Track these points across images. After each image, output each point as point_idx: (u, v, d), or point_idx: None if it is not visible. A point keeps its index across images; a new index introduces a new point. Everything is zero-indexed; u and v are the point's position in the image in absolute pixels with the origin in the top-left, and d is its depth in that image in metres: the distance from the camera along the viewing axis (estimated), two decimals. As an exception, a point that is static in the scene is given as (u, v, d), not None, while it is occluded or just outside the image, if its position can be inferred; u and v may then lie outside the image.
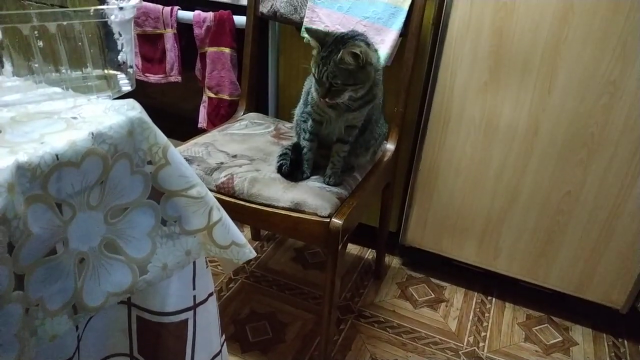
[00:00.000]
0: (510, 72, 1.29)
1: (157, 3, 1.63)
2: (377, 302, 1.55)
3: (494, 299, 1.60)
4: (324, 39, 1.05)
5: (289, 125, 1.47)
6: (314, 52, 1.07)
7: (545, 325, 1.51)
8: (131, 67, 0.64)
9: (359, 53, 0.99)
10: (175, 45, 1.62)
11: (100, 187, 0.59)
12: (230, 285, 1.58)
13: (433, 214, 1.54)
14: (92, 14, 0.59)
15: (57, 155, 0.52)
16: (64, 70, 0.66)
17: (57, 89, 0.67)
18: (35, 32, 0.60)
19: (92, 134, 0.56)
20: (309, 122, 1.19)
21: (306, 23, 1.43)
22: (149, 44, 1.66)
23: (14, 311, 0.50)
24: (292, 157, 1.20)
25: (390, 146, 1.39)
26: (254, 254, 0.74)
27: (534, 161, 1.35)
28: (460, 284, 1.65)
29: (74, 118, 0.59)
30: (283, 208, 1.12)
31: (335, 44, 1.03)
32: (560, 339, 1.46)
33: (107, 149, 0.58)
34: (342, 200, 1.15)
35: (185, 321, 0.71)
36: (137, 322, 0.71)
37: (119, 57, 0.63)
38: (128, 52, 0.63)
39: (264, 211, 1.13)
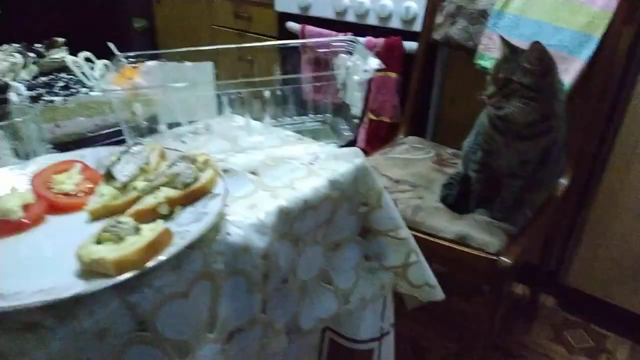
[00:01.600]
0: None
1: (331, 30, 1.74)
2: (527, 341, 1.48)
3: (670, 360, 1.42)
4: (515, 47, 1.04)
5: (450, 151, 1.47)
6: (500, 55, 1.05)
7: None
8: (356, 117, 0.71)
9: (545, 57, 0.95)
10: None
11: (325, 225, 0.67)
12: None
13: (604, 256, 1.41)
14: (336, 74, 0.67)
15: (305, 201, 0.61)
16: (295, 117, 0.76)
17: (289, 132, 0.77)
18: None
19: (330, 180, 0.64)
20: (479, 153, 1.18)
21: (481, 50, 1.42)
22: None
23: (259, 331, 0.60)
24: (458, 187, 1.20)
25: (564, 182, 1.31)
26: (442, 296, 0.77)
27: None
28: (627, 336, 1.49)
29: (311, 164, 0.68)
30: (447, 239, 1.12)
31: (523, 52, 1.01)
32: None
33: (338, 193, 0.65)
34: (510, 238, 1.12)
35: (372, 351, 0.77)
36: (329, 344, 0.78)
37: (352, 111, 0.70)
38: (357, 105, 0.70)
39: (426, 240, 1.14)
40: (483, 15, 1.45)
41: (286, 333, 0.68)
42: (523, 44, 1.35)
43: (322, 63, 0.82)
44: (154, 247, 0.44)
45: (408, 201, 1.20)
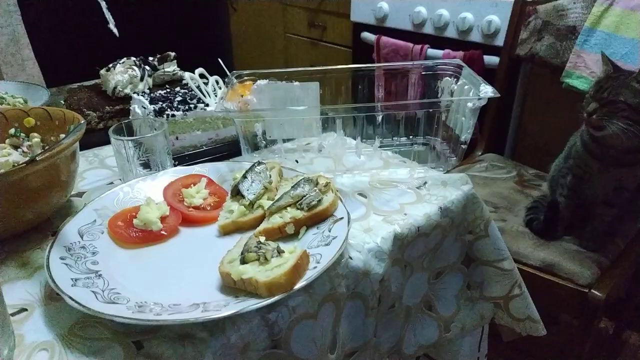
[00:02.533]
0: None
1: (407, 41, 1.74)
2: (607, 378, 1.41)
3: None
4: (617, 66, 0.99)
5: (532, 171, 1.43)
6: (600, 73, 1.00)
7: None
8: (463, 143, 0.71)
9: None
10: (420, 82, 1.72)
11: (432, 252, 0.67)
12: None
13: (696, 294, 1.33)
14: (452, 102, 0.68)
15: (418, 228, 0.62)
16: (396, 138, 0.77)
17: (389, 153, 0.78)
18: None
19: (441, 208, 0.65)
20: (569, 178, 1.14)
21: (569, 68, 1.37)
22: (392, 78, 1.79)
23: (369, 354, 0.61)
24: (544, 212, 1.17)
25: (658, 211, 1.24)
26: (544, 332, 0.76)
27: None
28: None
29: (419, 188, 0.69)
30: (532, 266, 1.09)
31: (630, 73, 0.96)
32: None
33: (448, 221, 0.66)
34: (602, 269, 1.07)
35: (466, 380, 0.76)
36: (423, 369, 0.78)
37: (462, 137, 0.70)
38: (468, 133, 0.70)
39: (509, 264, 1.12)
40: (572, 31, 1.41)
41: (388, 357, 0.69)
42: (616, 62, 1.30)
43: (426, 85, 0.82)
44: (297, 270, 0.46)
45: (489, 222, 1.18)
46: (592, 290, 1.01)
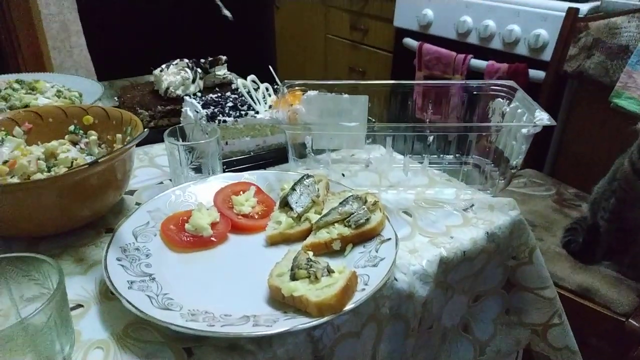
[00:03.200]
0: None
1: (450, 50, 1.72)
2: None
3: None
4: None
5: (572, 191, 1.40)
6: None
7: None
8: (513, 168, 0.71)
9: None
10: (471, 99, 1.70)
11: (475, 275, 0.67)
12: None
13: None
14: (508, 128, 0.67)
15: (464, 252, 0.62)
16: (444, 156, 0.77)
17: (436, 171, 0.77)
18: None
19: (487, 233, 0.64)
20: (612, 200, 1.10)
21: (619, 88, 1.33)
22: (443, 94, 1.78)
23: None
24: (583, 234, 1.14)
25: None
26: (582, 365, 0.75)
27: None
28: None
29: (465, 210, 0.68)
30: (568, 290, 1.07)
31: None
32: None
33: (493, 247, 0.65)
34: (641, 299, 1.04)
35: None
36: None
37: (512, 162, 0.70)
38: (519, 158, 0.69)
39: (544, 286, 1.10)
40: (624, 51, 1.36)
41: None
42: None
43: (477, 104, 0.81)
44: (347, 291, 0.47)
45: (525, 241, 1.16)
46: (630, 320, 0.99)
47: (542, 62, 1.55)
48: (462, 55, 1.68)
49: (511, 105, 0.75)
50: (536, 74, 1.57)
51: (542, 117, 0.66)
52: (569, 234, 1.18)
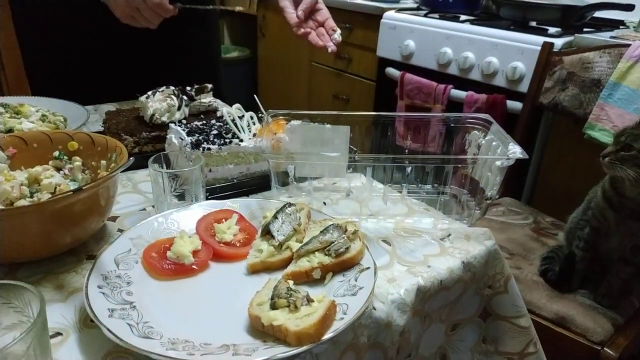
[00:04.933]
0: None
1: (431, 80, 1.78)
2: None
3: None
4: None
5: (549, 219, 1.44)
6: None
7: None
8: (489, 199, 0.73)
9: None
10: (448, 131, 1.75)
11: (451, 304, 0.68)
12: None
13: None
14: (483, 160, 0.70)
15: (441, 281, 0.63)
16: (423, 185, 0.79)
17: (414, 200, 0.80)
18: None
19: (464, 262, 0.66)
20: (586, 230, 1.14)
21: (592, 120, 1.39)
22: (423, 126, 1.82)
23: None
24: (560, 263, 1.17)
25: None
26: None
27: None
28: None
29: (442, 240, 0.70)
30: (544, 318, 1.10)
31: None
32: None
33: (469, 276, 0.67)
34: (616, 327, 1.07)
35: None
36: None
37: (487, 193, 0.72)
38: (493, 189, 0.72)
39: (521, 313, 1.12)
40: (596, 84, 1.43)
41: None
42: (637, 118, 1.32)
43: (454, 135, 0.84)
44: (326, 321, 0.48)
45: (504, 268, 1.19)
46: (605, 349, 1.01)
47: (519, 93, 1.61)
48: (442, 86, 1.73)
49: (487, 138, 0.79)
50: (514, 104, 1.62)
51: (515, 150, 0.69)
52: (546, 262, 1.20)
